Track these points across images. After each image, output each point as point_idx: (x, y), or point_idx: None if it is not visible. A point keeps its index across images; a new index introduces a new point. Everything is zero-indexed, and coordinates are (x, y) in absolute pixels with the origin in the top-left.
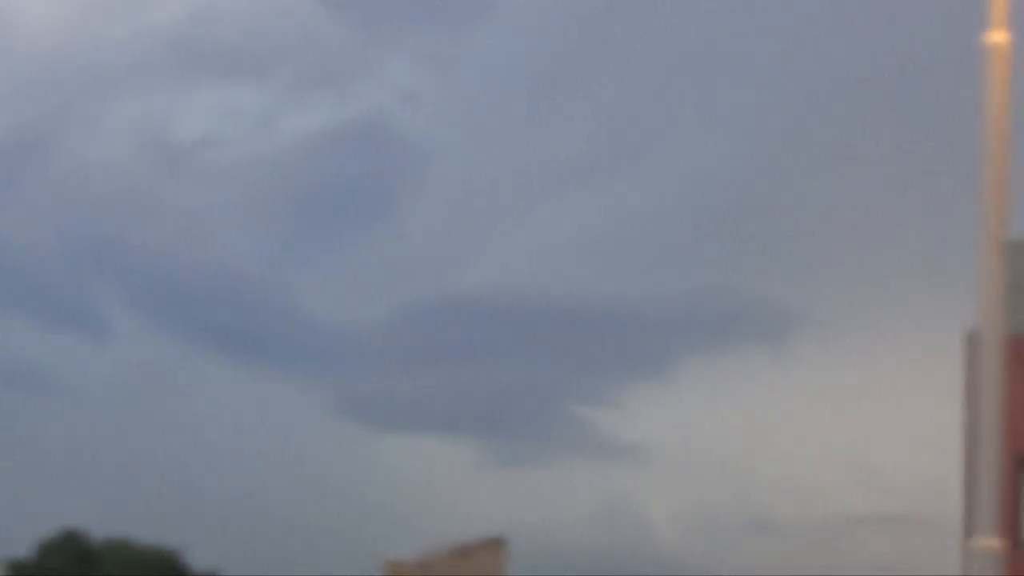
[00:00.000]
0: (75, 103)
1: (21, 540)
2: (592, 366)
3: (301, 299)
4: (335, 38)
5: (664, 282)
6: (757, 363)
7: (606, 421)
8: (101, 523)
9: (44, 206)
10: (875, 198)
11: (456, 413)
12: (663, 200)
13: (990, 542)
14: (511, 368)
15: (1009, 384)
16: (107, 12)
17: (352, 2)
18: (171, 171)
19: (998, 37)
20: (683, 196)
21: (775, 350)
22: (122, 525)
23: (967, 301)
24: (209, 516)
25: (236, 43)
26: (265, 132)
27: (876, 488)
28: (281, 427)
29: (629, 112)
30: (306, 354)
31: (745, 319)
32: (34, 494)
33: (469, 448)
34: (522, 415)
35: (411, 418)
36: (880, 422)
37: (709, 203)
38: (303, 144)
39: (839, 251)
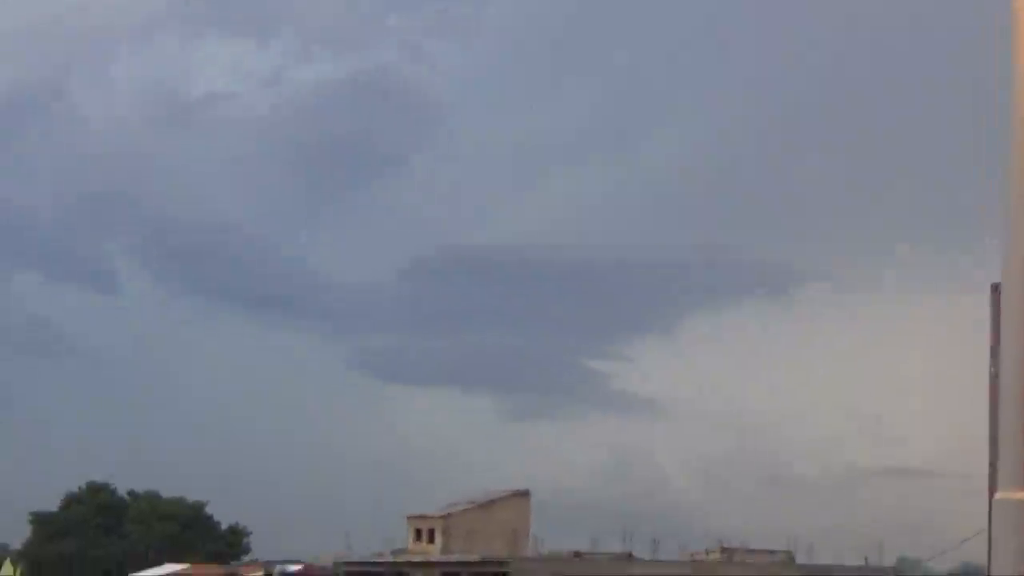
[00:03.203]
0: (81, 60)
1: (45, 493)
2: (602, 320)
3: (310, 255)
4: None
5: (674, 239)
6: (766, 316)
7: (618, 374)
8: (123, 476)
9: (51, 162)
10: (890, 156)
11: (471, 367)
12: (673, 159)
13: (1016, 495)
14: (522, 323)
15: None
16: None
17: None
18: (178, 127)
19: None
20: (694, 157)
21: (783, 302)
22: (144, 479)
23: (995, 253)
24: (231, 470)
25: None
26: (272, 87)
27: (891, 440)
28: (298, 382)
29: (643, 75)
30: (319, 309)
31: (751, 273)
32: (55, 447)
33: (486, 402)
34: (536, 369)
35: (427, 373)
36: (896, 375)
37: (719, 163)
38: (310, 99)
39: (850, 205)
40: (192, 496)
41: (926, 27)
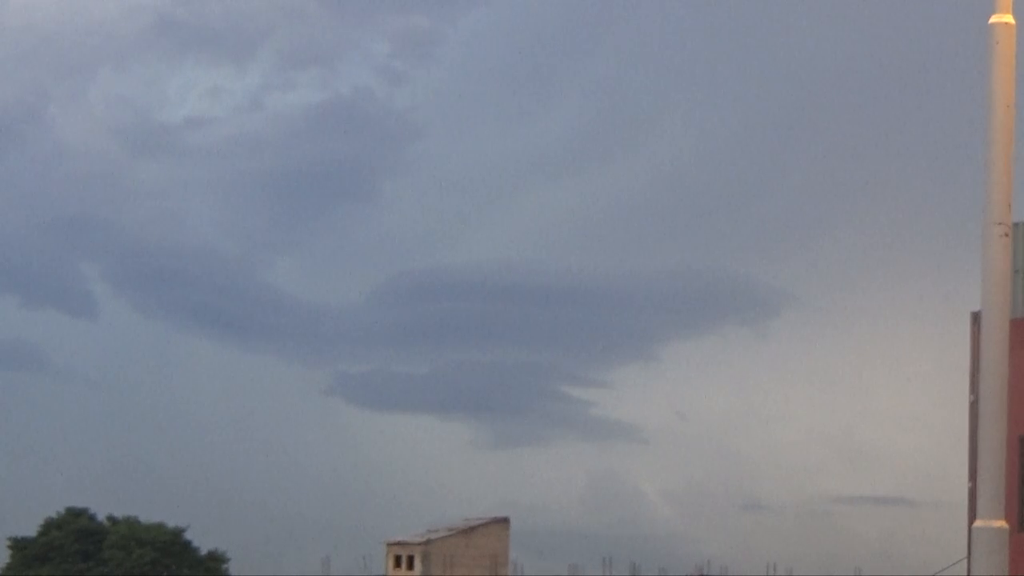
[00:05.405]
0: (59, 83)
1: (24, 518)
2: (580, 345)
3: (287, 279)
4: (318, 18)
5: (650, 262)
6: (743, 342)
7: (596, 400)
8: (100, 501)
9: (28, 186)
10: (870, 182)
11: (449, 394)
12: (650, 182)
13: (995, 524)
14: (499, 347)
15: (1014, 366)
16: None
17: None
18: (156, 151)
19: (1004, 21)
20: (671, 179)
21: (761, 330)
22: (122, 503)
23: (973, 283)
24: (208, 497)
25: (220, 23)
26: (248, 113)
27: (867, 469)
28: (274, 408)
29: (619, 95)
30: (296, 334)
31: (731, 299)
32: (33, 472)
33: (464, 428)
34: (513, 394)
35: (404, 399)
36: (875, 403)
37: (696, 185)
38: (286, 124)
39: (829, 232)
40: (170, 520)
41: (917, 51)
